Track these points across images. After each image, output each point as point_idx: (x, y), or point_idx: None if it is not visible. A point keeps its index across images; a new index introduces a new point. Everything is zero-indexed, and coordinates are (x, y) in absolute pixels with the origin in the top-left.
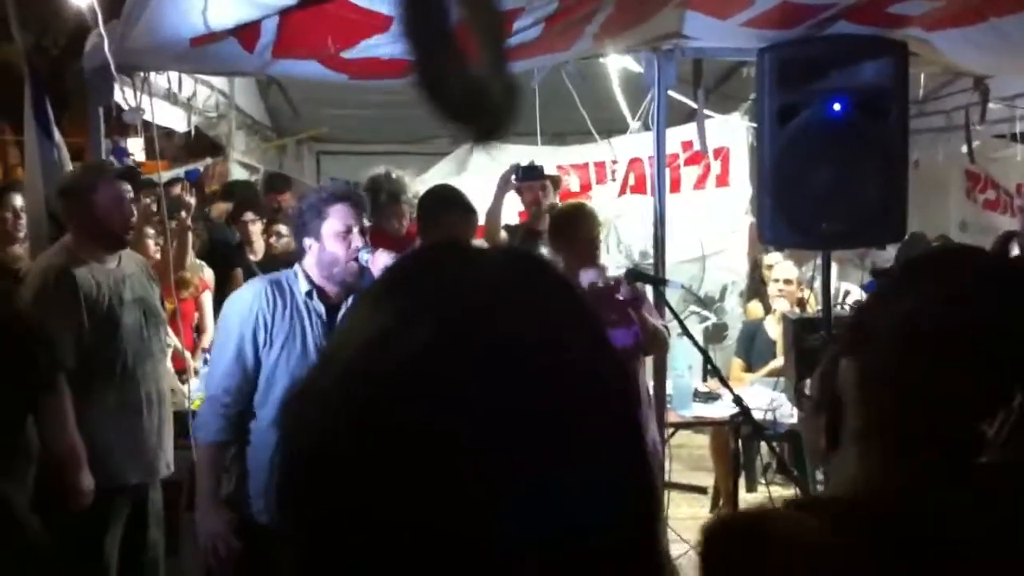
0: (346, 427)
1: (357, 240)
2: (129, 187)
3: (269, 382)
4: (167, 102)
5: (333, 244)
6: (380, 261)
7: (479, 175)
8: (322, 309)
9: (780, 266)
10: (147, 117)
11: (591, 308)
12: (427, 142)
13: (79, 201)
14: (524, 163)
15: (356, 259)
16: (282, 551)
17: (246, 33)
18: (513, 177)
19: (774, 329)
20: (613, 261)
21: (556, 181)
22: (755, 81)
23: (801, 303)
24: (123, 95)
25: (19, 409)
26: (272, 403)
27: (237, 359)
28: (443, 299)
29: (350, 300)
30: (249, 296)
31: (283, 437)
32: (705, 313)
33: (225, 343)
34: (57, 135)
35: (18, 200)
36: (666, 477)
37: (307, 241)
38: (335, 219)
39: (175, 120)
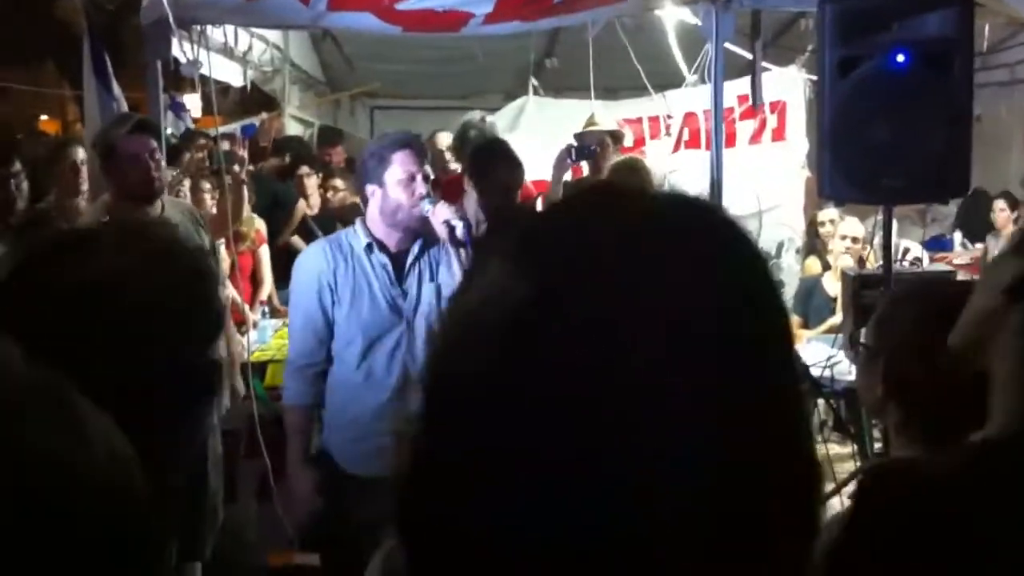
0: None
1: (420, 187)
2: (150, 139)
3: (345, 339)
4: (223, 56)
5: (396, 190)
6: (441, 214)
7: (530, 130)
8: (385, 259)
9: (846, 223)
10: (204, 71)
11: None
12: (480, 97)
13: (106, 157)
14: (578, 143)
15: (419, 206)
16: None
17: None
18: (568, 160)
19: (832, 286)
20: None
21: (617, 136)
22: (814, 33)
23: (860, 260)
24: (180, 49)
25: None
26: (350, 358)
27: (307, 323)
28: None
29: (416, 248)
30: (312, 259)
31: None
32: None
33: (296, 309)
34: (116, 88)
35: (79, 153)
36: None
37: (370, 188)
38: (398, 166)
39: (231, 75)
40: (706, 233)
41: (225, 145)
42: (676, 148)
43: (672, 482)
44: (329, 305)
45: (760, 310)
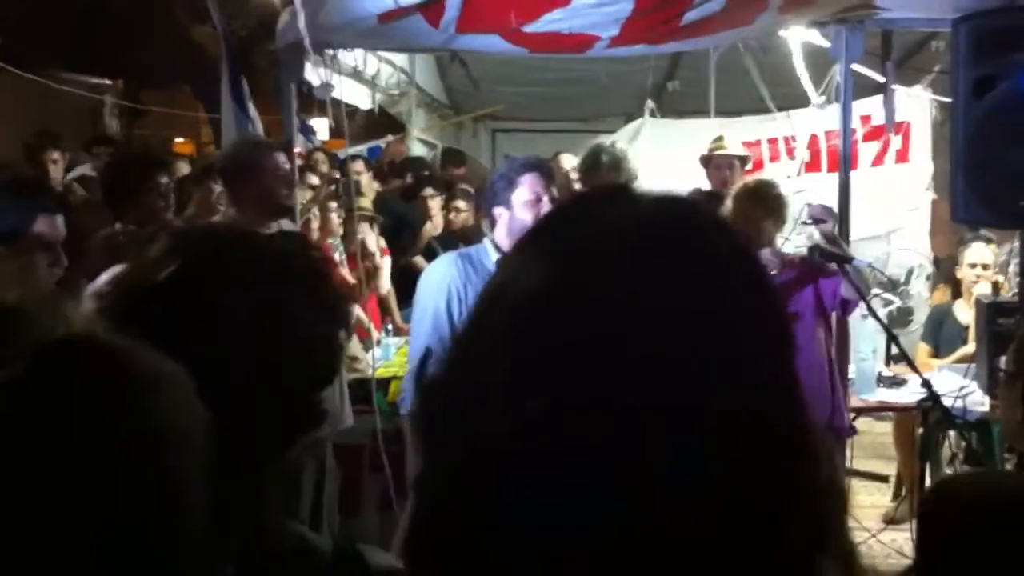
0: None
1: (546, 208)
2: (284, 159)
3: None
4: (353, 80)
5: (523, 212)
6: None
7: (649, 151)
8: None
9: (972, 250)
10: (334, 94)
11: (744, 252)
12: (600, 120)
13: (242, 176)
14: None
15: None
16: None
17: (431, 9)
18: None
19: (964, 314)
20: (793, 241)
21: (744, 160)
22: (946, 53)
23: (995, 287)
24: (313, 73)
25: None
26: None
27: (434, 332)
28: (597, 241)
29: None
30: (442, 270)
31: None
32: (889, 296)
33: (422, 317)
34: (252, 110)
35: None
36: (847, 464)
37: (498, 210)
38: (525, 188)
39: (360, 98)
40: (697, 225)
41: (359, 166)
42: (799, 171)
43: (679, 472)
44: (457, 316)
45: (753, 300)
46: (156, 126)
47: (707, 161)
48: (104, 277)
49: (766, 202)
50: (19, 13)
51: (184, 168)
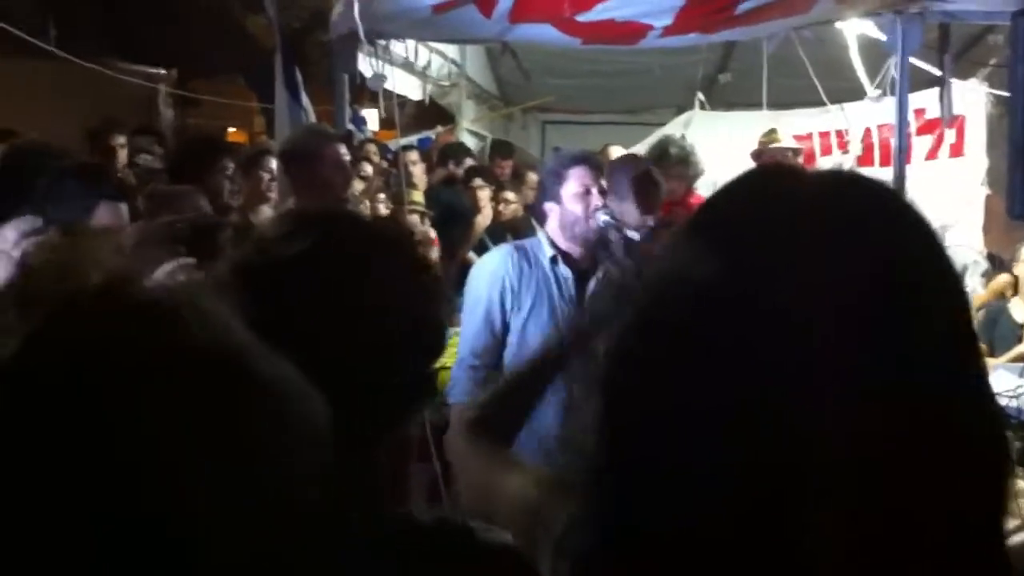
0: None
1: (596, 200)
2: (345, 150)
3: (520, 345)
4: (404, 71)
5: (573, 204)
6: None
7: (698, 143)
8: (568, 273)
9: None
10: (387, 85)
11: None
12: (650, 112)
13: (303, 163)
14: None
15: (595, 217)
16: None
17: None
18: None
19: (1020, 312)
20: None
21: (797, 152)
22: (1004, 46)
23: None
24: (365, 63)
25: None
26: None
27: (485, 322)
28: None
29: (600, 271)
30: (496, 261)
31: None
32: None
33: (474, 307)
34: (305, 100)
35: (273, 163)
36: None
37: (548, 205)
38: (574, 181)
39: (410, 89)
40: (881, 211)
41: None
42: (852, 165)
43: (836, 449)
44: (509, 309)
45: (937, 287)
46: (209, 115)
47: (759, 154)
48: (167, 266)
49: None
50: (75, 2)
51: (272, 162)
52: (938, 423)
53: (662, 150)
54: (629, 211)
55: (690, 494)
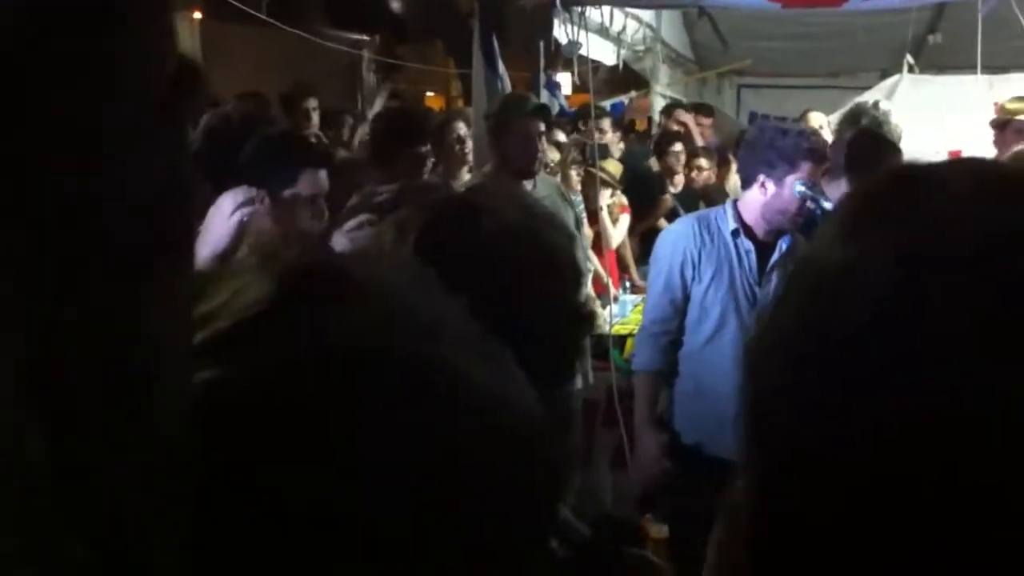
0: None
1: (812, 202)
2: (541, 124)
3: (700, 316)
4: (599, 36)
5: (791, 198)
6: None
7: (905, 111)
8: (750, 246)
9: None
10: (582, 51)
11: None
12: (852, 75)
13: (499, 132)
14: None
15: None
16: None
17: None
18: None
19: None
20: None
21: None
22: None
23: None
24: (562, 30)
25: None
26: (701, 336)
27: (666, 292)
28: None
29: (784, 244)
30: (679, 232)
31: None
32: None
33: (656, 277)
34: (501, 67)
35: (463, 128)
36: None
37: (764, 179)
38: (803, 174)
39: (604, 54)
40: None
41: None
42: None
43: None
44: (690, 279)
45: None
46: (410, 80)
47: (1003, 125)
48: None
49: None
50: None
51: (461, 127)
52: None
53: (854, 118)
54: (840, 189)
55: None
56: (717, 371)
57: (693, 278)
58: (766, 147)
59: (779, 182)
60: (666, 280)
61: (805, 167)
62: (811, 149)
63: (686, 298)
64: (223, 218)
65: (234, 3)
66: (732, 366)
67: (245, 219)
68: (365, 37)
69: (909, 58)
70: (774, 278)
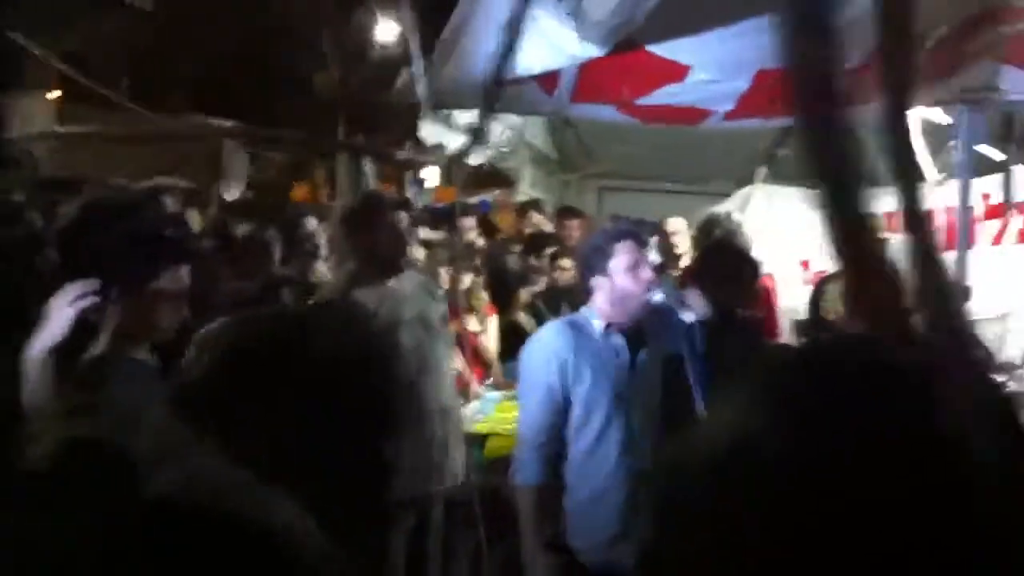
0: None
1: (646, 273)
2: (404, 216)
3: (583, 419)
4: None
5: (624, 280)
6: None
7: (759, 219)
8: (621, 341)
9: None
10: (448, 150)
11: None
12: (708, 182)
13: (358, 230)
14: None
15: (648, 293)
16: None
17: (547, 78)
18: None
19: None
20: None
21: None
22: None
23: None
24: (428, 129)
25: None
26: (587, 439)
27: (547, 402)
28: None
29: (651, 334)
30: (551, 337)
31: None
32: (1000, 379)
33: (532, 389)
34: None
35: (311, 223)
36: None
37: (597, 281)
38: (623, 255)
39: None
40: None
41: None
42: None
43: None
44: (570, 382)
45: None
46: (276, 170)
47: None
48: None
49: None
50: (149, 55)
51: (311, 223)
52: None
53: (707, 231)
54: (721, 296)
55: None
56: (604, 473)
57: (573, 381)
58: (586, 256)
59: (606, 272)
60: (546, 385)
61: (620, 246)
62: (616, 231)
63: (567, 402)
64: (59, 309)
65: (92, 85)
66: (618, 470)
67: (80, 312)
68: (228, 123)
69: (763, 169)
70: (643, 362)
